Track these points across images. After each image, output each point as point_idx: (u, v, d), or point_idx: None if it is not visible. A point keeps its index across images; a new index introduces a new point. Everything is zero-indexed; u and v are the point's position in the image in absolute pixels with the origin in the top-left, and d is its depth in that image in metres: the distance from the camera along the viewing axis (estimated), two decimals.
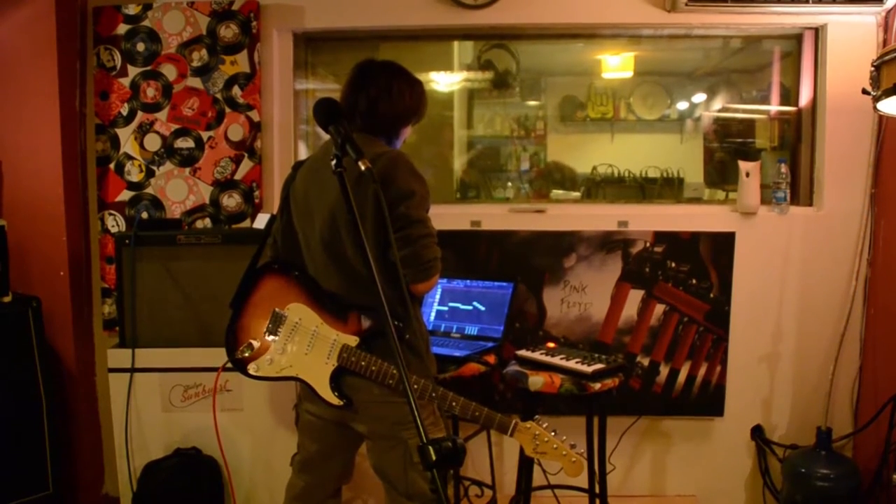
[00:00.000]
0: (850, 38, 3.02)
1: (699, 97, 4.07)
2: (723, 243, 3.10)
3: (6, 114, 3.05)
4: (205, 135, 3.16)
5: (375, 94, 2.00)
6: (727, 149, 3.79)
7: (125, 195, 3.19)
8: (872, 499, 2.89)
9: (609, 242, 3.13)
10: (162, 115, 3.16)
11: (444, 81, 3.89)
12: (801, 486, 2.89)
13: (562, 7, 3.10)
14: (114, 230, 3.18)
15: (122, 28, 3.13)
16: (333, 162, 1.58)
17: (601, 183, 3.93)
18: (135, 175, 3.18)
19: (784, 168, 3.07)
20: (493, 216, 3.21)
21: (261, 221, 2.83)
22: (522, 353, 2.65)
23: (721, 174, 3.74)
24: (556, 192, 3.80)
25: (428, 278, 1.95)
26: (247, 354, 2.07)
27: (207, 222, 3.19)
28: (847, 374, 3.12)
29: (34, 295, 2.90)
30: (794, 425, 3.18)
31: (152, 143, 3.17)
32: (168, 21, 3.13)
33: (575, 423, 2.50)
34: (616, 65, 3.81)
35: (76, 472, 3.13)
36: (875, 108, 2.37)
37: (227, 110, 3.15)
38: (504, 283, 2.85)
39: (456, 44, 3.77)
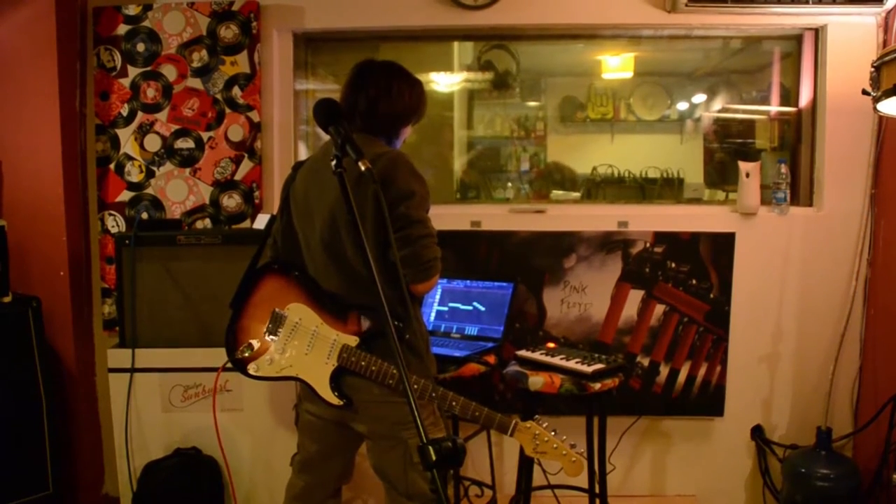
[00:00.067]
0: (850, 39, 3.02)
1: (699, 98, 4.07)
2: (723, 244, 3.10)
3: (6, 114, 3.05)
4: (205, 135, 3.16)
5: (375, 95, 2.00)
6: (727, 149, 3.79)
7: (125, 195, 3.19)
8: (872, 499, 2.89)
9: (609, 243, 3.13)
10: (162, 115, 3.16)
11: (444, 82, 3.89)
12: (801, 486, 2.90)
13: (562, 7, 3.11)
14: (114, 230, 3.18)
15: (123, 28, 3.13)
16: (333, 162, 1.58)
17: (601, 183, 3.93)
18: (135, 175, 3.19)
19: (784, 168, 3.07)
20: (493, 216, 3.21)
21: (261, 222, 2.83)
22: (522, 353, 2.65)
23: (721, 174, 3.74)
24: (556, 193, 3.80)
25: (428, 278, 1.95)
26: (247, 354, 2.07)
27: (207, 223, 3.19)
28: (847, 374, 3.12)
29: (34, 295, 2.90)
30: (794, 425, 3.18)
31: (152, 143, 3.17)
32: (168, 21, 3.13)
33: (575, 423, 2.50)
34: (616, 65, 3.82)
35: (76, 472, 3.13)
36: (875, 108, 2.37)
37: (227, 111, 3.15)
38: (504, 284, 2.85)
39: (456, 44, 3.77)
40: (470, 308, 2.86)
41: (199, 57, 3.14)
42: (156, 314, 2.82)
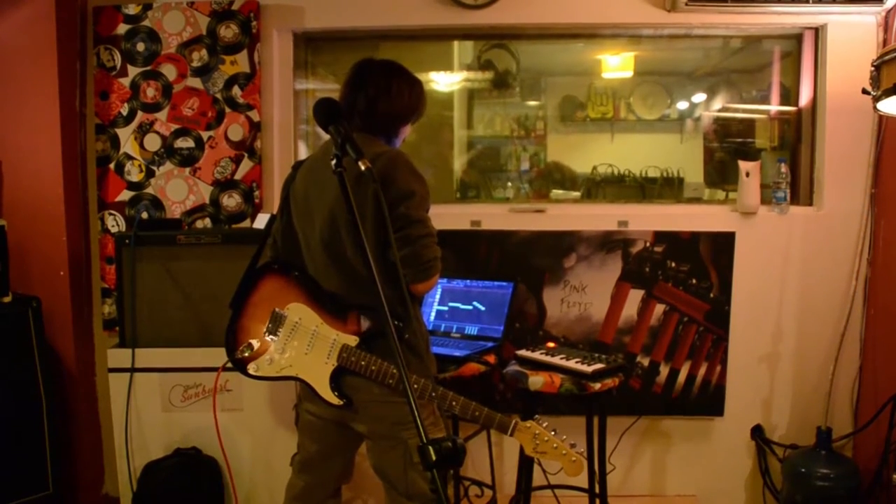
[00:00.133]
0: (850, 38, 3.01)
1: (699, 97, 4.08)
2: (723, 243, 3.10)
3: (6, 114, 3.05)
4: (205, 135, 3.16)
5: (374, 94, 2.00)
6: (727, 149, 3.79)
7: (125, 195, 3.19)
8: (872, 499, 2.89)
9: (609, 242, 3.13)
10: (162, 115, 3.16)
11: (444, 81, 3.89)
12: (801, 486, 2.90)
13: (562, 7, 3.10)
14: (114, 230, 3.18)
15: (122, 28, 3.13)
16: (333, 162, 1.58)
17: (601, 183, 3.93)
18: (135, 175, 3.19)
19: (784, 168, 3.07)
20: (493, 216, 3.21)
21: (261, 221, 2.83)
22: (522, 353, 2.65)
23: (721, 174, 3.74)
24: (556, 192, 3.80)
25: (428, 278, 1.95)
26: (246, 354, 2.07)
27: (207, 222, 3.19)
28: (847, 374, 3.12)
29: (34, 295, 2.90)
30: (794, 425, 3.18)
31: (152, 143, 3.17)
32: (168, 21, 3.13)
33: (575, 423, 2.49)
34: (616, 65, 3.82)
35: (76, 472, 3.13)
36: (875, 108, 2.37)
37: (227, 110, 3.15)
38: (504, 283, 2.85)
39: (456, 44, 3.77)
40: (470, 308, 2.86)
41: (199, 56, 3.14)
42: (156, 314, 2.81)
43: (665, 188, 3.90)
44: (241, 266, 2.17)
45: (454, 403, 1.92)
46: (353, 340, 1.98)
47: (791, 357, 3.16)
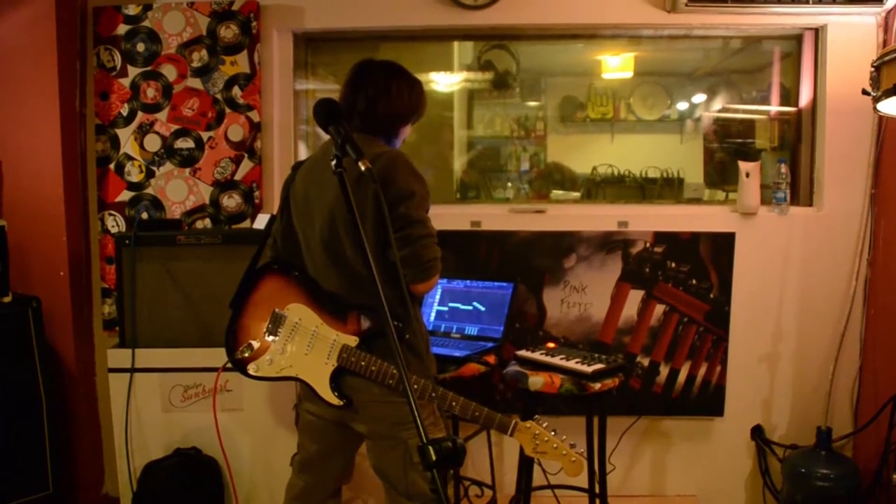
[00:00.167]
0: (850, 39, 3.02)
1: (699, 97, 4.07)
2: (723, 244, 3.10)
3: (6, 114, 3.05)
4: (205, 135, 3.16)
5: (374, 94, 2.00)
6: (727, 149, 3.79)
7: (125, 195, 3.19)
8: (872, 499, 2.89)
9: (609, 243, 3.13)
10: (162, 115, 3.16)
11: (443, 82, 3.89)
12: (801, 486, 2.90)
13: (562, 7, 3.11)
14: (114, 230, 3.18)
15: (122, 28, 3.13)
16: (333, 162, 1.58)
17: (601, 183, 3.93)
18: (135, 175, 3.19)
19: (784, 168, 3.07)
20: (493, 216, 3.21)
21: (261, 222, 2.83)
22: (522, 353, 2.65)
23: (721, 174, 3.74)
24: (556, 193, 3.80)
25: (428, 278, 1.95)
26: (246, 355, 2.07)
27: (207, 223, 3.19)
28: (847, 374, 3.12)
29: (34, 295, 2.90)
30: (794, 425, 3.18)
31: (152, 143, 3.17)
32: (168, 21, 3.13)
33: (575, 423, 2.50)
34: (616, 65, 3.82)
35: (76, 472, 3.13)
36: (875, 108, 2.37)
37: (227, 111, 3.15)
38: (504, 284, 2.85)
39: (456, 44, 3.77)
40: (470, 308, 2.86)
41: (199, 57, 3.14)
42: (156, 314, 2.82)
43: (665, 189, 3.90)
44: (241, 266, 2.18)
45: (454, 404, 1.92)
46: (353, 341, 1.98)
47: (791, 357, 3.16)
